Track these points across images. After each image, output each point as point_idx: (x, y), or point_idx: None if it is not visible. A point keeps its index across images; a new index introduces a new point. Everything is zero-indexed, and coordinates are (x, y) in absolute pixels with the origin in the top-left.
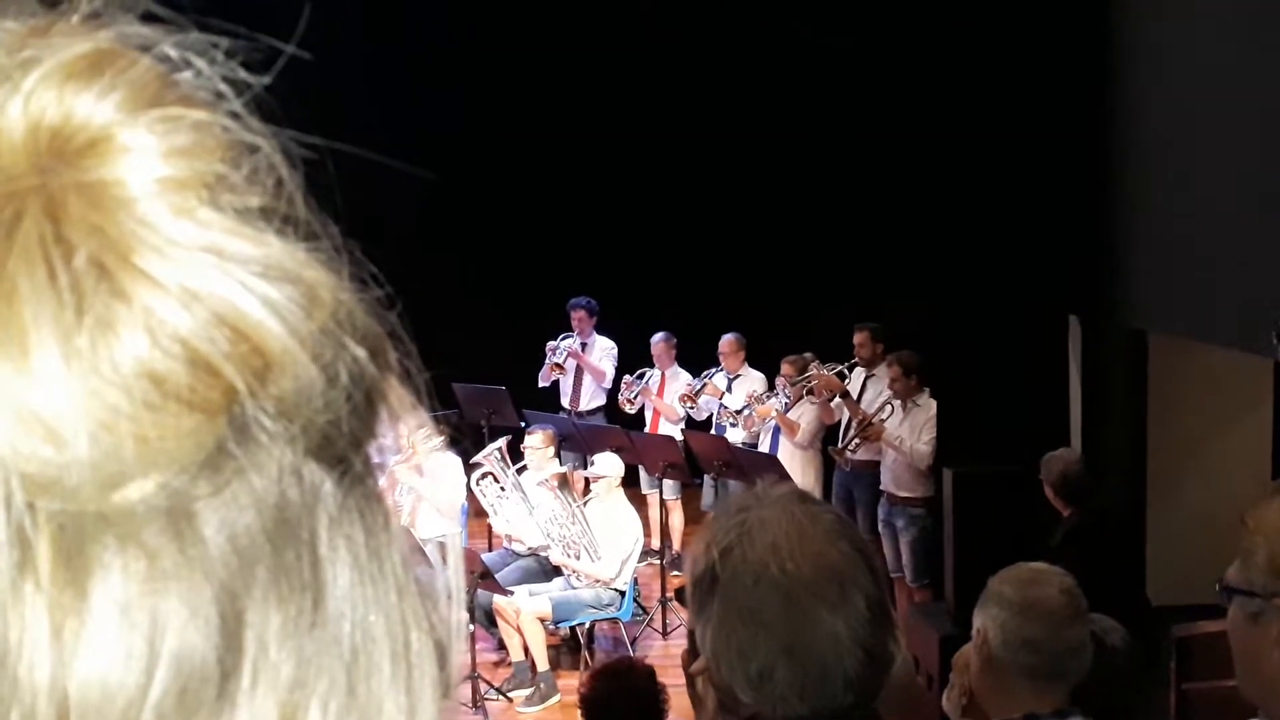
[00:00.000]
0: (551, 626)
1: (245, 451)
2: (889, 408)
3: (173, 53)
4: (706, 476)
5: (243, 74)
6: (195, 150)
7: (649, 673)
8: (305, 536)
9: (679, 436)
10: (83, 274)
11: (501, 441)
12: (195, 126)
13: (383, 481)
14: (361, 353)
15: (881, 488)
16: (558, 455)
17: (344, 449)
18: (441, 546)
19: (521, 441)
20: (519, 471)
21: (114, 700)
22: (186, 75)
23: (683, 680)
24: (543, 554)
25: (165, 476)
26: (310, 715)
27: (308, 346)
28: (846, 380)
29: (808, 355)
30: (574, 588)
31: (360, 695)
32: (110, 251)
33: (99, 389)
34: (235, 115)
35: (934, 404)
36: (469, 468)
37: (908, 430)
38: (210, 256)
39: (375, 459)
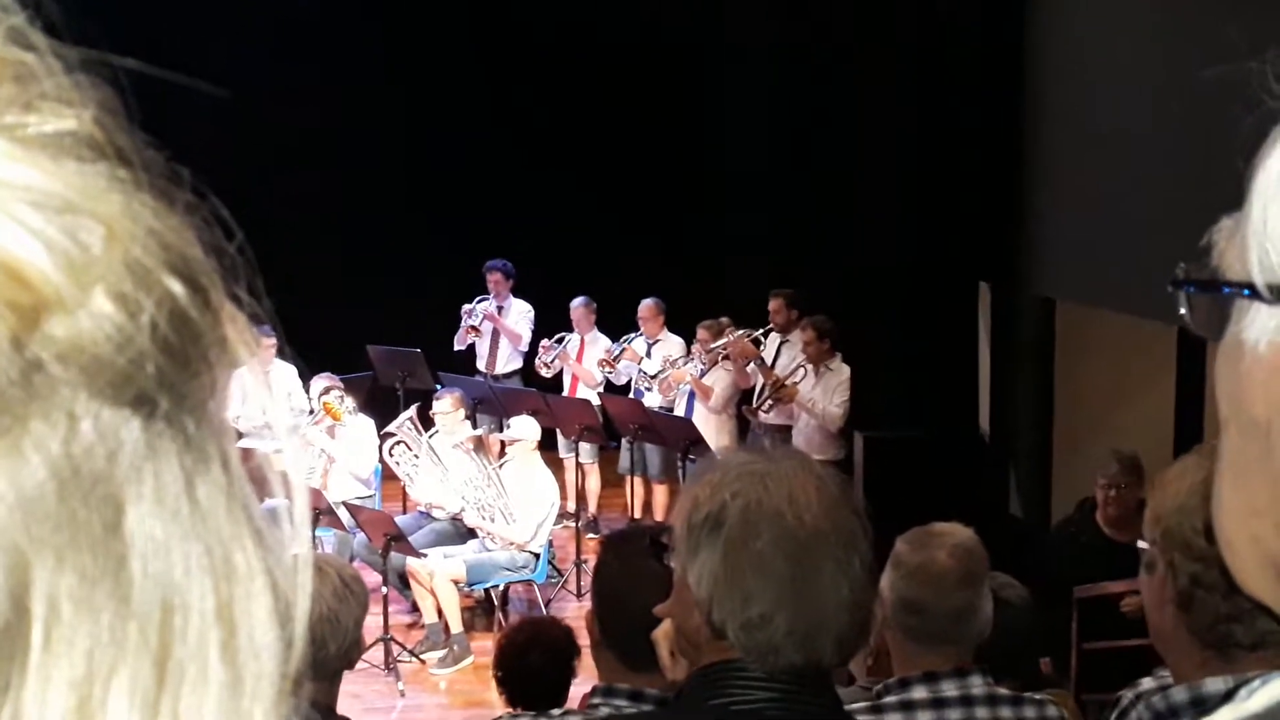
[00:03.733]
0: (465, 589)
1: (25, 397)
2: (801, 371)
3: None
4: (623, 440)
5: None
6: None
7: (566, 630)
8: (102, 488)
9: (596, 400)
10: None
11: (412, 409)
12: None
13: (219, 420)
14: (177, 286)
15: None
16: (471, 418)
17: (149, 389)
18: (347, 512)
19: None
20: (431, 437)
21: None
22: None
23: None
24: (459, 517)
25: None
26: (116, 680)
27: (90, 281)
28: (761, 346)
29: (724, 320)
30: (488, 550)
31: (174, 660)
32: None
33: None
34: (17, 32)
35: (847, 369)
36: (381, 437)
37: (820, 393)
38: None
39: (202, 396)
